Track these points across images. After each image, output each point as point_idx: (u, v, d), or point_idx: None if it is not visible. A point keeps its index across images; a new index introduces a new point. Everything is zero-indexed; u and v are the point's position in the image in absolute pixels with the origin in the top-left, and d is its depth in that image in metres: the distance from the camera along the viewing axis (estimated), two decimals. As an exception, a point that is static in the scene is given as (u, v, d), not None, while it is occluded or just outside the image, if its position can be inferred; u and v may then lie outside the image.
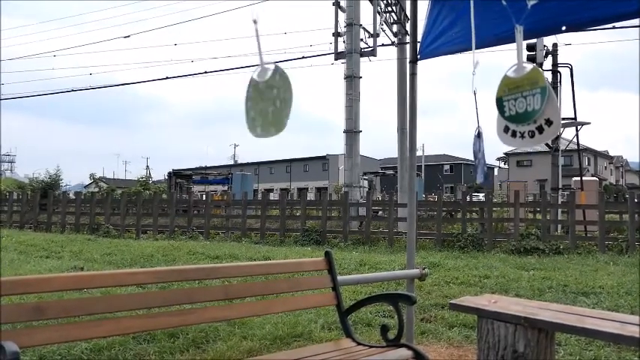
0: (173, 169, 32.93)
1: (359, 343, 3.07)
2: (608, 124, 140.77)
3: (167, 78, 30.53)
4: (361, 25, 16.44)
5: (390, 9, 17.46)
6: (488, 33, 3.26)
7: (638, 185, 51.68)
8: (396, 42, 17.75)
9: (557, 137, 16.30)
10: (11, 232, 14.49)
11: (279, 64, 2.65)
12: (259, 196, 28.21)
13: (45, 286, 2.45)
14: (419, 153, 48.77)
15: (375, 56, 16.73)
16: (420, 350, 2.92)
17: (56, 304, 2.44)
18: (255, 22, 2.55)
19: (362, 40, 16.55)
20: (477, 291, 6.24)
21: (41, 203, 17.53)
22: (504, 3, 2.60)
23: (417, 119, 3.98)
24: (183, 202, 16.83)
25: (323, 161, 61.60)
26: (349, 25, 16.08)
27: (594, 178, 22.28)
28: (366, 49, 16.61)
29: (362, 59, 16.44)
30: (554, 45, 16.27)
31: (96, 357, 3.79)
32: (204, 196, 18.67)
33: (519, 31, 2.61)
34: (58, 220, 16.66)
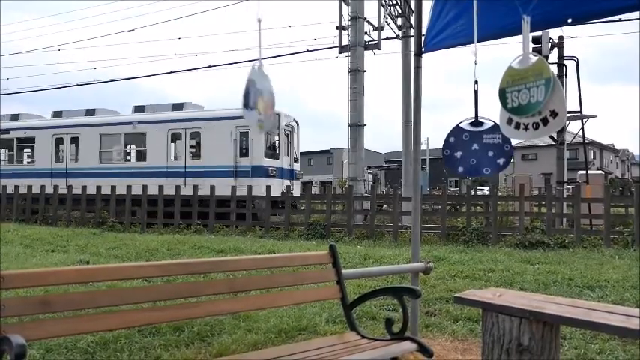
0: (178, 164, 32.94)
1: (363, 337, 3.07)
2: (616, 117, 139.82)
3: (171, 72, 30.53)
4: (365, 18, 16.38)
5: (394, 2, 17.39)
6: (494, 25, 3.24)
7: (642, 179, 51.43)
8: (401, 35, 17.69)
9: (562, 130, 16.24)
10: (17, 226, 14.57)
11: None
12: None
13: (51, 280, 2.47)
14: (423, 147, 48.67)
15: (380, 50, 16.68)
16: (425, 343, 2.93)
17: (62, 297, 2.46)
18: (259, 20, 2.61)
19: (366, 33, 16.50)
20: (482, 284, 6.23)
21: (47, 197, 17.56)
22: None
23: (421, 113, 3.97)
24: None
25: (327, 155, 61.51)
26: (353, 18, 16.02)
27: (600, 172, 22.17)
28: (370, 43, 16.56)
29: (366, 53, 16.38)
30: (560, 38, 16.15)
31: (102, 350, 3.82)
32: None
33: (526, 21, 2.59)
34: (64, 214, 16.72)
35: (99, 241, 11.16)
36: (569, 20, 3.12)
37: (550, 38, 15.44)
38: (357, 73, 15.95)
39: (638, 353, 3.79)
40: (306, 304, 4.84)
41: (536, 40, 14.65)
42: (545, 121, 2.65)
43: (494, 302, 2.48)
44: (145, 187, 15.46)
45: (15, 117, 21.73)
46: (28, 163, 21.40)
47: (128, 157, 19.70)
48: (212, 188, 14.73)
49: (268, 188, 14.39)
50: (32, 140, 20.48)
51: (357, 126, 16.25)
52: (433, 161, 47.29)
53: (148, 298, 2.68)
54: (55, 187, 17.31)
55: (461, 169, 3.37)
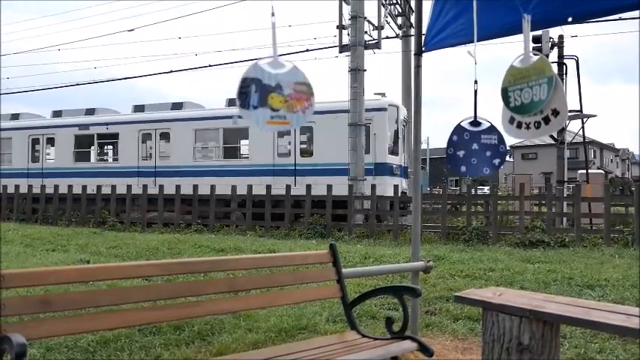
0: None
1: (364, 336, 3.07)
2: (616, 116, 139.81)
3: (171, 72, 30.58)
4: (366, 17, 16.36)
5: (394, 1, 17.39)
6: (494, 24, 3.24)
7: (642, 178, 51.40)
8: (401, 34, 17.69)
9: (563, 129, 16.23)
10: (17, 226, 14.57)
11: (283, 57, 2.78)
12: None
13: (51, 279, 2.47)
14: (424, 146, 48.63)
15: (380, 49, 16.66)
16: (425, 342, 2.93)
17: (62, 297, 2.46)
18: (272, 14, 2.65)
19: (366, 32, 16.48)
20: (482, 284, 6.23)
21: (47, 197, 17.56)
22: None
23: (421, 112, 3.97)
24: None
25: (327, 154, 61.45)
26: (353, 17, 15.99)
27: (600, 171, 22.18)
28: (370, 42, 16.55)
29: (366, 52, 16.36)
30: (560, 37, 16.15)
31: (102, 349, 3.82)
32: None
33: (527, 20, 2.60)
34: (64, 214, 16.72)
35: (99, 240, 11.16)
36: (570, 19, 3.12)
37: (550, 37, 15.43)
38: (357, 72, 15.93)
39: (639, 352, 3.79)
40: (306, 304, 4.84)
41: (537, 39, 14.64)
42: (546, 120, 2.65)
43: (495, 301, 2.48)
44: (250, 187, 14.47)
45: (90, 111, 19.99)
46: (110, 160, 19.95)
47: (219, 154, 17.78)
48: (329, 187, 13.52)
49: (396, 187, 13.60)
50: (115, 136, 18.83)
51: (357, 125, 16.23)
52: (433, 160, 47.27)
53: (148, 297, 2.68)
54: (144, 187, 15.93)
55: (463, 168, 3.39)
